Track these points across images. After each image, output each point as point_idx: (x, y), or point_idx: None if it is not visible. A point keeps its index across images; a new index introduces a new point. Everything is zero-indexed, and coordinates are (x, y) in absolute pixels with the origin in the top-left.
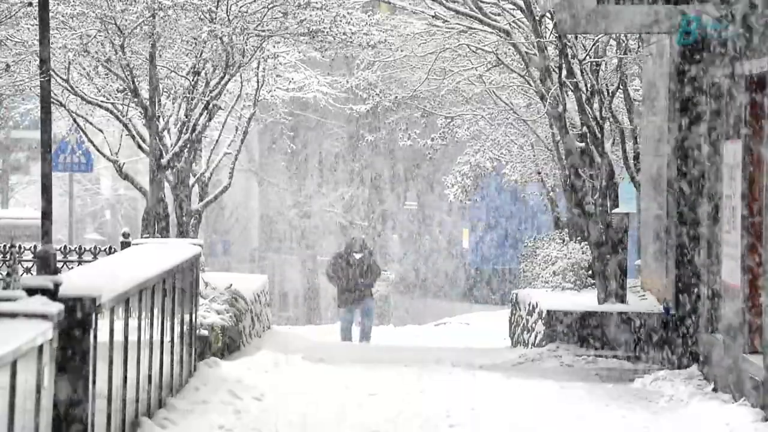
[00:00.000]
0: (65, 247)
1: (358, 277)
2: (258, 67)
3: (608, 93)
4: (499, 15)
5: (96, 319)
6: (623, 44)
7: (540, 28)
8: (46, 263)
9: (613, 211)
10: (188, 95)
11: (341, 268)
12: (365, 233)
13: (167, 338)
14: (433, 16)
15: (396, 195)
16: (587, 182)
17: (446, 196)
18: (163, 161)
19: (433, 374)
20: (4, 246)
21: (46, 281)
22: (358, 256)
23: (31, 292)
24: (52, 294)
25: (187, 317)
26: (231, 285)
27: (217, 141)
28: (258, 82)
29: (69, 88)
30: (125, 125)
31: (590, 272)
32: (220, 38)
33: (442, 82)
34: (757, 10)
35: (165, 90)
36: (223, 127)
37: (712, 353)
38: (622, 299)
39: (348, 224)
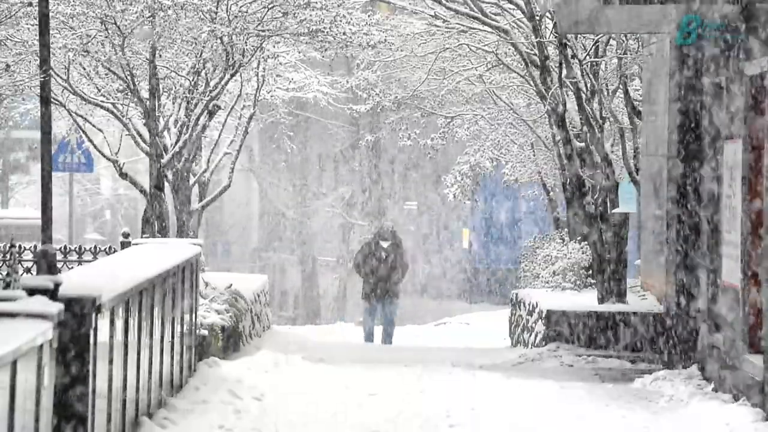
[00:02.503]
0: (65, 247)
1: (384, 269)
2: (258, 67)
3: (608, 93)
4: (499, 15)
5: (96, 319)
6: (623, 44)
7: (540, 28)
8: (46, 263)
9: (613, 211)
10: (188, 95)
11: (368, 258)
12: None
13: (167, 338)
14: (433, 16)
15: (396, 195)
16: (587, 182)
17: (446, 196)
18: (163, 161)
19: (433, 374)
20: (4, 246)
21: (46, 281)
22: (385, 245)
23: (31, 292)
24: (52, 294)
25: (187, 317)
26: (231, 285)
27: (217, 141)
28: (258, 82)
29: (69, 88)
30: (125, 125)
31: (590, 272)
32: (220, 38)
33: (442, 82)
34: (757, 11)
35: (165, 90)
36: (223, 127)
37: (712, 353)
38: (622, 299)
39: (348, 223)
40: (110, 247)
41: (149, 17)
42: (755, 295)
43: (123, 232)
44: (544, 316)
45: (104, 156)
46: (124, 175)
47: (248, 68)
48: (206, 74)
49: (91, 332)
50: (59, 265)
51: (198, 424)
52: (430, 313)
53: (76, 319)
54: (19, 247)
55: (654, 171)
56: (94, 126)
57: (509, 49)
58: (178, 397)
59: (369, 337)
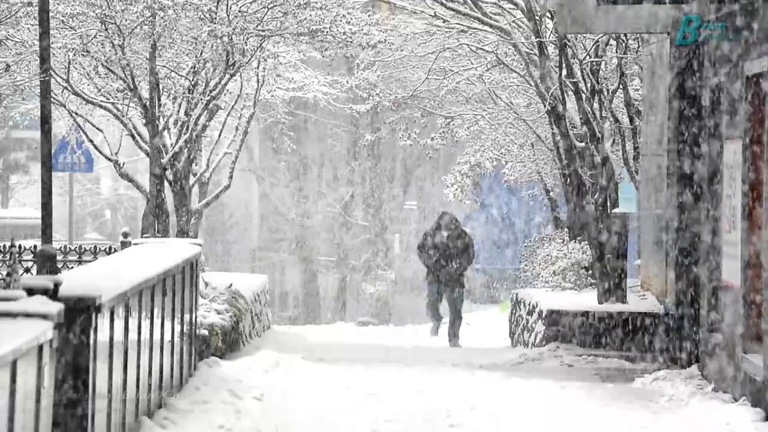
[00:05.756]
0: (65, 247)
1: (444, 258)
2: (258, 67)
3: (608, 93)
4: (499, 15)
5: (96, 319)
6: (623, 44)
7: (540, 28)
8: (46, 263)
9: (613, 211)
10: (188, 95)
11: (429, 246)
12: (457, 219)
13: (167, 338)
14: (433, 16)
15: (396, 195)
16: (587, 182)
17: (446, 196)
18: (163, 161)
19: (433, 374)
20: (4, 246)
21: (46, 281)
22: (446, 234)
23: (31, 292)
24: (52, 294)
25: (187, 317)
26: (231, 285)
27: (217, 141)
28: (258, 81)
29: (69, 88)
30: (125, 125)
31: (590, 272)
32: (220, 38)
33: (442, 82)
34: (756, 11)
35: (165, 90)
36: (223, 127)
37: (712, 353)
38: (622, 299)
39: (348, 223)
40: (110, 247)
41: (149, 17)
42: (755, 294)
43: (123, 232)
44: (544, 316)
45: (104, 156)
46: (124, 175)
47: (248, 68)
48: (206, 74)
49: (91, 332)
50: (59, 265)
51: (198, 424)
52: None
53: (76, 319)
54: (19, 247)
55: (654, 171)
56: (94, 126)
57: (509, 49)
58: (178, 397)
59: (435, 330)
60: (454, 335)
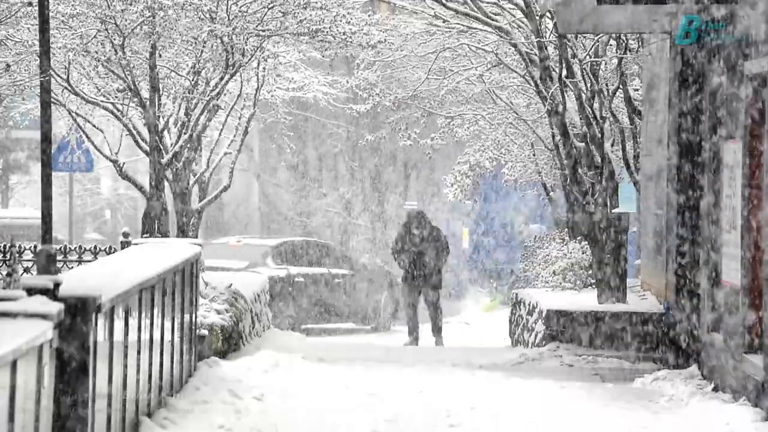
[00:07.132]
0: (65, 247)
1: (419, 258)
2: (258, 67)
3: (608, 93)
4: (499, 15)
5: (96, 319)
6: (623, 44)
7: (540, 28)
8: (46, 263)
9: (613, 211)
10: (188, 95)
11: (402, 246)
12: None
13: (167, 338)
14: (433, 16)
15: (396, 195)
16: (587, 182)
17: (446, 196)
18: (163, 161)
19: (433, 374)
20: (4, 246)
21: (46, 281)
22: (416, 232)
23: (31, 292)
24: (52, 294)
25: (187, 317)
26: (231, 285)
27: (217, 141)
28: (258, 81)
29: (69, 88)
30: (125, 125)
31: (590, 272)
32: (220, 38)
33: (442, 82)
34: (757, 10)
35: (165, 90)
36: (223, 127)
37: (712, 353)
38: (622, 299)
39: (348, 223)
40: (110, 247)
41: (149, 17)
42: (755, 294)
43: (123, 232)
44: (544, 316)
45: (104, 156)
46: (124, 175)
47: (248, 68)
48: (206, 74)
49: (91, 332)
50: (59, 265)
51: (198, 424)
52: None
53: (76, 319)
54: (19, 247)
55: (654, 171)
56: (94, 126)
57: (509, 49)
58: (178, 397)
59: (412, 332)
60: (437, 333)
